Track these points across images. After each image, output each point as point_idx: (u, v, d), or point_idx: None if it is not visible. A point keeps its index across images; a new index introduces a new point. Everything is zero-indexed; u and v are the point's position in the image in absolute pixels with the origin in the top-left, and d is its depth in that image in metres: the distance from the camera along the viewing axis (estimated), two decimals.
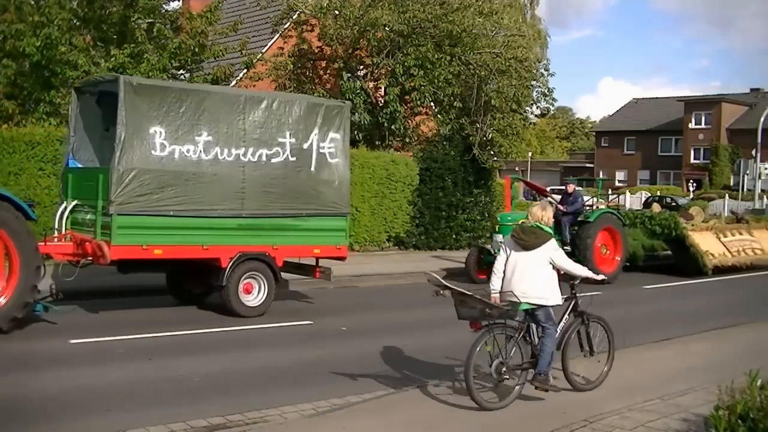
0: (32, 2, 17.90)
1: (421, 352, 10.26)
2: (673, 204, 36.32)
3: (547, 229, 7.57)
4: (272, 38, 25.36)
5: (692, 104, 67.51)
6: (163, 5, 19.41)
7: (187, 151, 11.34)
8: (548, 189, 23.80)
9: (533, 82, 23.84)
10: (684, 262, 19.36)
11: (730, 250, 20.17)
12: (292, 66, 22.57)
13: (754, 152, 37.45)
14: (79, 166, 12.29)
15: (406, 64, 21.44)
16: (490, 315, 7.25)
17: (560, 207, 17.76)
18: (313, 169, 12.49)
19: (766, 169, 36.97)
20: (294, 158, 12.29)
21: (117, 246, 10.83)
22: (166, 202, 11.14)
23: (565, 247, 17.40)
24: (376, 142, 22.77)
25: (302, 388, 8.28)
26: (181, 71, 19.24)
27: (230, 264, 11.73)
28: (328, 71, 23.69)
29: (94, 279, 12.80)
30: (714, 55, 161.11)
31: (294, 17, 23.43)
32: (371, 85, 23.02)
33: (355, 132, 22.16)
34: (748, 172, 37.54)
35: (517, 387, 7.51)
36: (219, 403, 7.56)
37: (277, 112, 12.19)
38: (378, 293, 15.85)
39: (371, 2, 21.53)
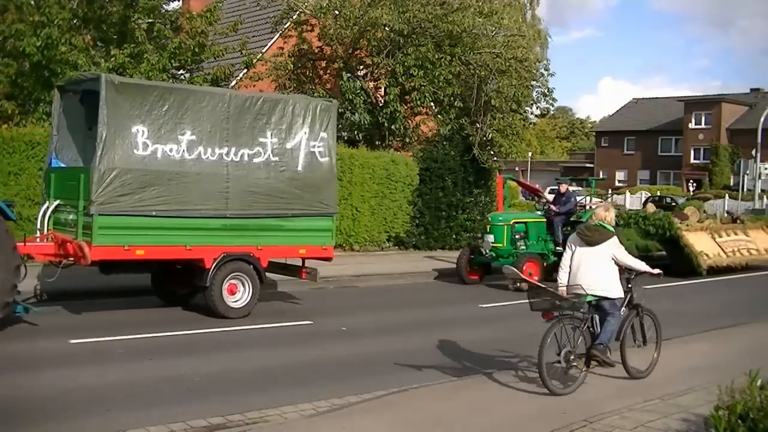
0: (32, 2, 17.89)
1: (421, 352, 10.27)
2: (673, 204, 36.33)
3: (609, 227, 8.27)
4: (272, 38, 25.35)
5: (692, 104, 67.49)
6: (163, 5, 19.38)
7: (170, 150, 11.19)
8: (548, 189, 23.75)
9: (533, 82, 23.84)
10: (678, 262, 19.14)
11: (725, 250, 20.10)
12: (292, 66, 22.56)
13: (754, 152, 37.46)
14: (62, 165, 12.14)
15: (406, 64, 21.45)
16: (560, 307, 7.84)
17: (552, 207, 17.61)
18: (298, 168, 12.33)
19: (766, 169, 36.98)
20: (276, 158, 12.11)
21: (98, 246, 10.67)
22: (149, 202, 10.98)
23: (557, 248, 17.34)
24: (376, 142, 22.77)
25: (302, 388, 8.28)
26: (181, 71, 19.24)
27: (214, 265, 11.56)
28: (328, 71, 23.69)
29: (82, 279, 12.70)
30: (714, 55, 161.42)
31: (294, 17, 23.43)
32: (371, 85, 23.03)
33: (355, 132, 22.23)
34: (748, 172, 37.55)
35: (582, 374, 8.05)
36: (219, 403, 7.55)
37: (260, 111, 12.03)
38: (378, 293, 15.84)
39: (371, 2, 21.52)
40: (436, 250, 22.08)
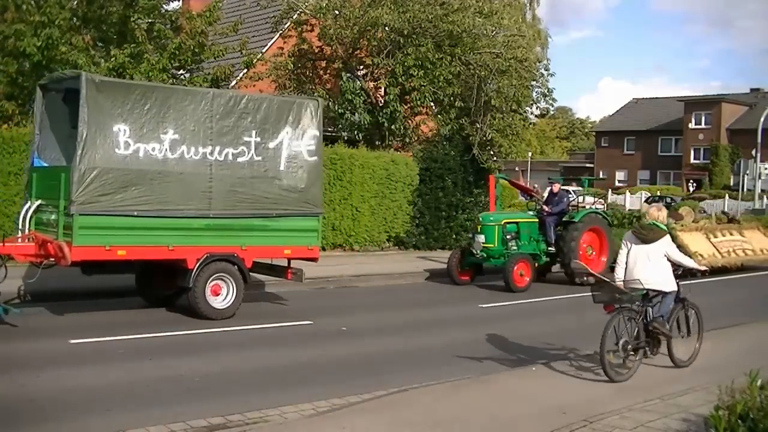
0: (33, 2, 17.89)
1: (421, 352, 10.28)
2: (673, 204, 36.35)
3: (662, 226, 8.93)
4: (272, 38, 25.36)
5: (692, 104, 67.48)
6: (163, 5, 19.38)
7: (153, 149, 11.02)
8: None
9: (533, 83, 23.85)
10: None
11: (720, 250, 20.01)
12: (292, 66, 22.58)
13: (754, 152, 37.47)
14: (44, 165, 11.98)
15: (406, 64, 21.45)
16: (620, 299, 8.48)
17: (545, 208, 17.41)
18: (282, 168, 12.15)
19: (766, 169, 36.98)
20: (260, 157, 11.95)
21: (78, 247, 10.51)
22: (130, 202, 10.83)
23: (549, 248, 17.26)
24: (376, 142, 22.78)
25: (302, 388, 8.27)
26: (181, 71, 19.24)
27: (197, 265, 11.41)
28: (328, 71, 23.70)
29: (67, 279, 12.56)
30: (714, 55, 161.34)
31: (294, 17, 23.44)
32: (371, 85, 23.04)
33: (355, 132, 22.23)
34: (748, 172, 37.54)
35: (636, 363, 8.63)
36: (219, 403, 7.55)
37: (244, 110, 11.89)
38: (378, 293, 15.84)
39: (371, 2, 21.52)
40: (436, 250, 22.09)
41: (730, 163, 59.46)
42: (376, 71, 22.72)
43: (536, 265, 16.95)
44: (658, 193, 49.87)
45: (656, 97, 76.37)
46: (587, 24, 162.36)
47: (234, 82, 21.70)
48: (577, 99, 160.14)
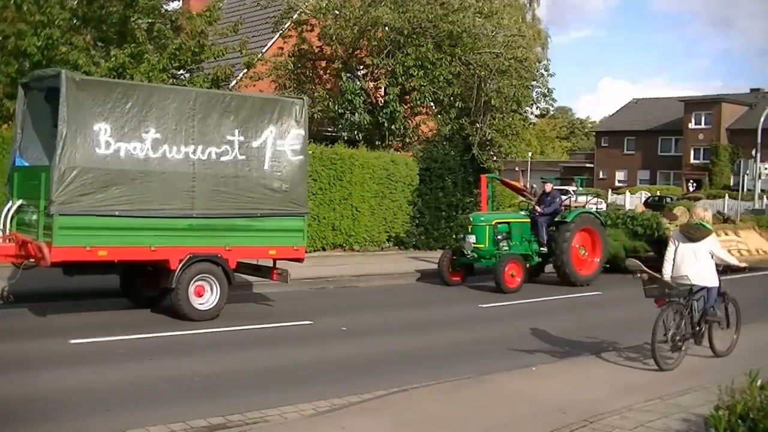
0: (32, 2, 17.89)
1: (421, 352, 10.28)
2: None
3: (708, 225, 9.43)
4: (272, 38, 25.37)
5: (692, 104, 67.47)
6: (163, 5, 19.39)
7: (134, 148, 10.85)
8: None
9: (533, 83, 23.86)
10: None
11: None
12: (292, 66, 22.59)
13: (754, 152, 37.44)
14: (26, 164, 11.85)
15: (406, 64, 21.46)
16: (669, 294, 9.14)
17: (537, 208, 17.27)
18: (266, 167, 11.97)
19: (766, 169, 36.94)
20: (243, 156, 11.76)
21: (58, 247, 10.33)
22: (111, 202, 10.66)
23: (541, 249, 17.14)
24: (376, 142, 22.79)
25: (302, 388, 8.27)
26: (181, 71, 19.24)
27: (180, 266, 11.22)
28: (328, 71, 23.72)
29: (55, 280, 12.40)
30: (714, 55, 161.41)
31: (294, 17, 23.46)
32: (371, 85, 23.05)
33: (355, 132, 22.25)
34: (748, 172, 37.50)
35: (681, 353, 9.20)
36: (219, 403, 7.54)
37: (227, 109, 11.76)
38: (378, 293, 15.84)
39: (371, 2, 21.53)
40: (436, 250, 22.04)
41: (730, 163, 59.44)
42: (376, 71, 22.74)
43: (528, 265, 16.86)
44: (658, 193, 49.84)
45: (656, 97, 76.34)
46: (587, 24, 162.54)
47: (234, 83, 21.70)
48: (577, 99, 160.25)
